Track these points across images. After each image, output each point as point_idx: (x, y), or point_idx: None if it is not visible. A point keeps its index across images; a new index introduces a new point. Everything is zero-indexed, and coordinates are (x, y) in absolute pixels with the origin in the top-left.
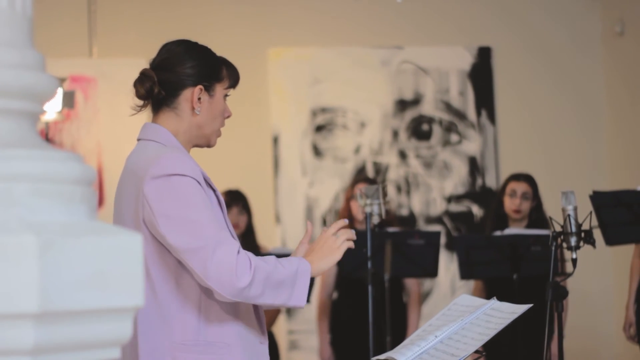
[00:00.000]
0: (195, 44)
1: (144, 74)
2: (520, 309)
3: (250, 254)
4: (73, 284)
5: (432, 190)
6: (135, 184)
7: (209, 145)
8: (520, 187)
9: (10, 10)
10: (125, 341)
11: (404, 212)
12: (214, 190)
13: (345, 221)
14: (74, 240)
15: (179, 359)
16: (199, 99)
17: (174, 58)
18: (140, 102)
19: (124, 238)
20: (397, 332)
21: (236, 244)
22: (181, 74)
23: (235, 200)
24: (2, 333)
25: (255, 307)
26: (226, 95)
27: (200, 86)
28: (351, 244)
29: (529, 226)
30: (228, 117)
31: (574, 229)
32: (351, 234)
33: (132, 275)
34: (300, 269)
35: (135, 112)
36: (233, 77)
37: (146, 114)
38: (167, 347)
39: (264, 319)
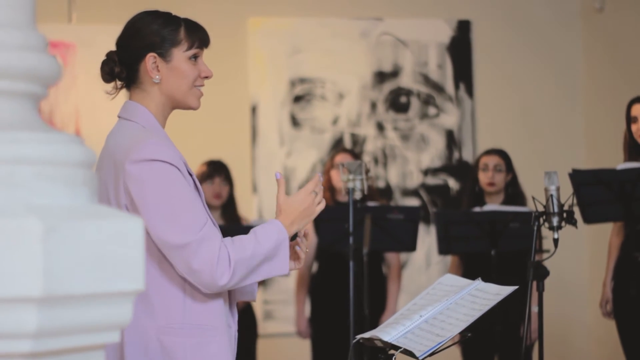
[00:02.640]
0: (150, 12)
1: (106, 56)
2: (505, 290)
3: (230, 246)
4: (76, 268)
5: (409, 162)
6: (114, 169)
7: (190, 108)
8: (492, 160)
9: None
10: (125, 325)
11: (381, 184)
12: (192, 175)
13: (319, 174)
14: (77, 224)
15: (165, 342)
16: (157, 67)
17: (128, 33)
18: (113, 86)
19: (126, 222)
20: (376, 305)
21: (217, 237)
22: (134, 47)
23: (218, 170)
24: (6, 317)
25: (229, 291)
26: (195, 56)
27: (151, 54)
28: (324, 205)
29: (505, 201)
30: (207, 77)
31: (556, 209)
32: (320, 185)
33: (133, 260)
34: (279, 239)
35: (112, 96)
36: (195, 37)
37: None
38: (153, 331)
39: (235, 303)
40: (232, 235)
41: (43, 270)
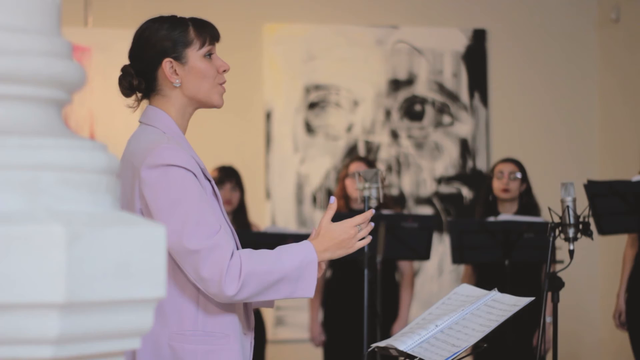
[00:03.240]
0: (157, 19)
1: (122, 71)
2: (521, 301)
3: (244, 257)
4: (98, 274)
5: (422, 171)
6: (131, 173)
7: (214, 106)
8: (507, 167)
9: None
10: (146, 332)
11: (394, 192)
12: (210, 181)
13: (372, 211)
14: (101, 231)
15: (177, 349)
16: (175, 71)
17: (137, 44)
18: (132, 101)
19: (149, 229)
20: (389, 313)
21: (230, 245)
22: (148, 57)
23: (229, 176)
24: (28, 322)
25: None
26: (210, 53)
27: (167, 59)
28: (369, 240)
29: (519, 210)
30: (225, 71)
31: (572, 221)
32: (370, 228)
33: (155, 266)
34: (306, 260)
35: (134, 109)
36: (205, 34)
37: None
38: (164, 337)
39: (252, 312)
40: (241, 242)
41: (66, 277)
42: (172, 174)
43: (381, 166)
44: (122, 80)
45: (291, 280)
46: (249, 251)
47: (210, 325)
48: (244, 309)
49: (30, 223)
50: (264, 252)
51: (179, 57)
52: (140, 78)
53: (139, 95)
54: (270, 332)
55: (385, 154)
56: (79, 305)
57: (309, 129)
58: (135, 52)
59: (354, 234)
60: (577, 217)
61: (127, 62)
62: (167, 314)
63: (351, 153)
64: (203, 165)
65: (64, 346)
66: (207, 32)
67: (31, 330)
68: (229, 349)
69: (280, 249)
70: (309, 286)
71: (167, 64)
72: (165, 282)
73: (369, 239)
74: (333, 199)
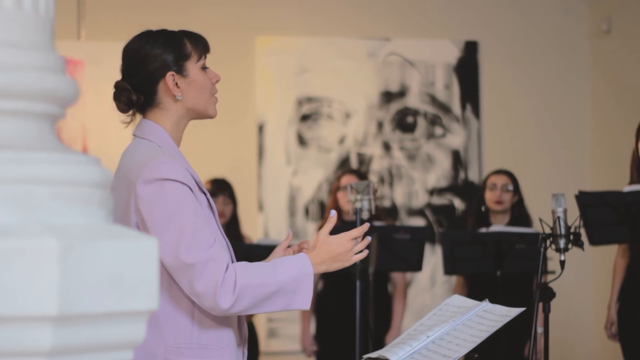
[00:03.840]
0: (150, 33)
1: (117, 88)
2: (512, 312)
3: (239, 270)
4: (91, 287)
5: (414, 182)
6: (127, 187)
7: (209, 117)
8: (500, 179)
9: (34, 13)
10: (138, 343)
11: (387, 203)
12: (205, 194)
13: (368, 225)
14: (93, 244)
15: None
16: (177, 84)
17: (134, 60)
18: (126, 115)
19: (141, 242)
20: (382, 324)
21: (225, 259)
22: (149, 71)
23: (221, 189)
24: (21, 335)
25: None
26: (204, 66)
27: (170, 73)
28: (365, 254)
29: (511, 222)
30: (217, 81)
31: (563, 232)
32: (367, 242)
33: (148, 279)
34: (302, 273)
35: (127, 124)
36: (199, 46)
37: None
38: (160, 350)
39: (245, 324)
40: (235, 254)
41: (59, 289)
42: (168, 188)
43: (373, 178)
44: (119, 97)
45: (287, 292)
46: (244, 264)
47: (206, 338)
48: (238, 322)
49: (23, 236)
50: (259, 265)
51: (180, 70)
52: (138, 93)
53: (134, 110)
54: (263, 343)
55: (378, 165)
56: (72, 317)
57: (302, 141)
58: (131, 68)
59: (350, 248)
60: (568, 227)
61: (120, 75)
62: (162, 327)
63: (343, 165)
64: (198, 178)
65: (57, 358)
66: (201, 45)
67: (25, 342)
68: None
69: (276, 261)
70: (305, 298)
71: (170, 77)
72: (157, 294)
73: (365, 252)
74: (333, 213)
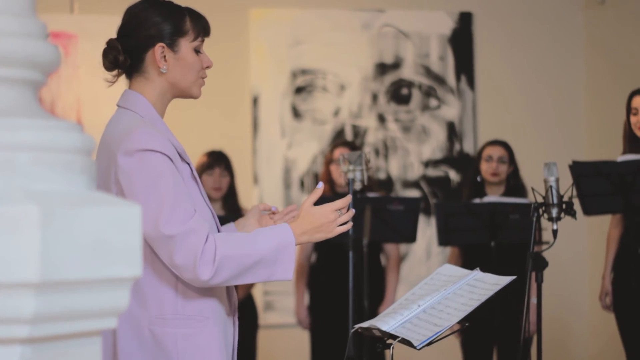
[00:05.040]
0: (155, 1)
1: (108, 45)
2: (503, 280)
3: (219, 241)
4: (74, 254)
5: (409, 154)
6: (107, 158)
7: (191, 97)
8: (497, 151)
9: None
10: (122, 311)
11: (382, 175)
12: (189, 164)
13: (320, 185)
14: (75, 211)
15: (157, 332)
16: (164, 57)
17: (132, 22)
18: (113, 74)
19: (124, 209)
20: (375, 295)
21: (204, 230)
22: (140, 37)
23: (218, 161)
24: (3, 302)
25: None
26: (198, 47)
27: (160, 44)
28: (347, 227)
29: (506, 192)
30: (208, 67)
31: (555, 201)
32: (351, 214)
33: (131, 246)
34: (283, 243)
35: (111, 84)
36: (199, 27)
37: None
38: (145, 321)
39: (234, 293)
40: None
41: (40, 256)
42: (148, 159)
43: (367, 149)
44: (107, 54)
45: (268, 263)
46: (224, 235)
47: (190, 308)
48: (227, 291)
49: (4, 203)
50: (240, 236)
51: (172, 45)
52: (126, 55)
53: (119, 72)
54: (260, 316)
55: (373, 137)
56: (54, 284)
57: (296, 113)
58: (127, 29)
59: (333, 219)
60: (560, 196)
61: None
62: (146, 298)
63: (338, 137)
64: (182, 148)
65: (39, 325)
66: (202, 26)
67: (6, 309)
68: (209, 332)
69: (257, 231)
70: (286, 269)
71: (159, 48)
72: (141, 261)
73: (349, 224)
74: (321, 184)
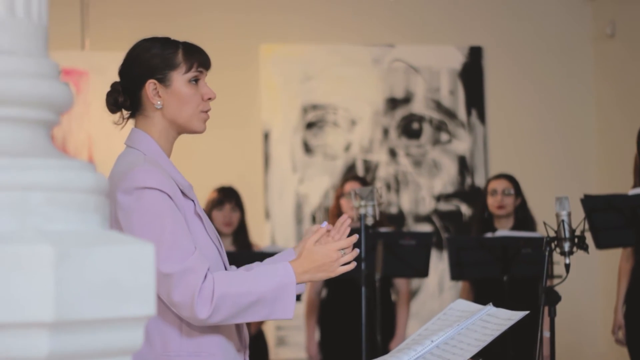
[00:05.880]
0: (149, 39)
1: (111, 87)
2: (516, 315)
3: (217, 279)
4: (87, 293)
5: (421, 188)
6: (110, 196)
7: (195, 132)
8: (500, 184)
9: (27, 20)
10: (136, 349)
11: (393, 210)
12: (193, 200)
13: (357, 236)
14: (89, 250)
15: None
16: (158, 93)
17: (127, 62)
18: (122, 115)
19: (137, 248)
20: (386, 331)
21: (203, 269)
22: (134, 76)
23: (228, 197)
24: (18, 341)
25: None
26: (196, 79)
27: (150, 81)
28: (351, 267)
29: (515, 225)
30: (211, 99)
31: (567, 235)
32: (355, 254)
33: (144, 285)
34: (283, 282)
35: (122, 126)
36: (193, 59)
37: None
38: (150, 358)
39: (245, 329)
40: (243, 262)
41: (55, 296)
42: (146, 197)
43: (379, 184)
44: (108, 97)
45: (267, 302)
46: (224, 273)
47: (195, 345)
48: (237, 327)
49: (18, 243)
50: (240, 274)
51: (163, 79)
52: (125, 95)
53: (125, 112)
54: (272, 352)
55: (384, 172)
56: (68, 324)
57: (307, 148)
58: (124, 69)
59: (336, 258)
60: (572, 231)
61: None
62: (152, 335)
63: (350, 172)
64: (186, 185)
65: None
66: (196, 57)
67: (22, 349)
68: None
69: (258, 270)
70: (286, 308)
71: (150, 85)
72: (154, 300)
73: (353, 264)
74: (325, 224)
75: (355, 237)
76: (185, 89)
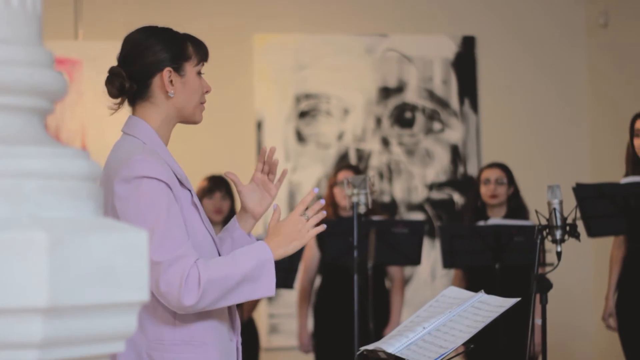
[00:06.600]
0: (154, 28)
1: (112, 73)
2: (507, 302)
3: (201, 266)
4: (81, 279)
5: (414, 177)
6: (108, 184)
7: (194, 122)
8: (494, 173)
9: (22, 9)
10: (130, 335)
11: (386, 199)
12: (190, 190)
13: (322, 202)
14: (83, 237)
15: (156, 357)
16: (171, 81)
17: (136, 49)
18: (116, 101)
19: (130, 234)
20: (380, 318)
21: (191, 258)
22: (147, 63)
23: (218, 185)
24: (12, 327)
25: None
26: (200, 72)
27: (168, 69)
28: (321, 228)
29: (508, 214)
30: (208, 92)
31: (559, 223)
32: (322, 215)
33: (138, 271)
34: (262, 259)
35: (114, 111)
36: (200, 52)
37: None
38: (143, 345)
39: (237, 316)
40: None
41: (49, 282)
42: (144, 186)
43: (371, 173)
44: (113, 81)
45: (250, 280)
46: (204, 260)
47: (188, 334)
48: (229, 315)
49: (13, 230)
50: (219, 258)
51: (178, 69)
52: (132, 82)
53: (122, 99)
54: (264, 339)
55: (377, 161)
56: (62, 309)
57: (300, 137)
58: (130, 56)
59: (302, 225)
60: (564, 219)
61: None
62: (146, 322)
63: (342, 161)
64: (183, 174)
65: (48, 350)
66: (203, 50)
67: (15, 334)
68: (207, 357)
69: (235, 252)
70: (268, 285)
71: (167, 72)
72: (147, 286)
73: (322, 226)
74: (276, 205)
75: (312, 193)
76: (195, 80)
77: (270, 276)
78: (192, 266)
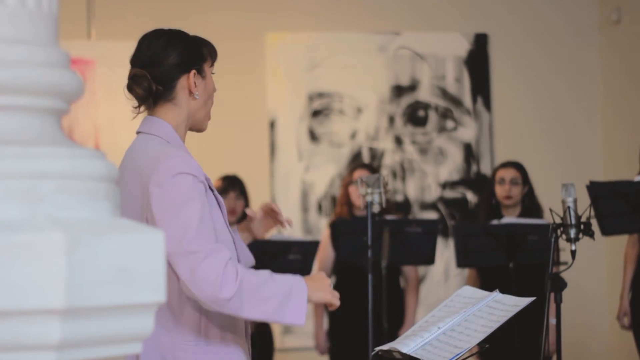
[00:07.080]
0: (171, 31)
1: (136, 75)
2: (522, 302)
3: (238, 265)
4: (98, 280)
5: (427, 176)
6: (140, 182)
7: (200, 130)
8: (508, 173)
9: (38, 10)
10: (147, 336)
11: (399, 197)
12: (213, 191)
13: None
14: (100, 238)
15: (180, 358)
16: (195, 83)
17: (159, 51)
18: (136, 103)
19: (147, 235)
20: (394, 318)
21: (227, 253)
22: (171, 64)
23: (232, 185)
24: (30, 328)
25: None
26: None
27: (193, 71)
28: (337, 303)
29: (522, 213)
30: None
31: (573, 221)
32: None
33: (155, 272)
34: (295, 287)
35: (136, 115)
36: (213, 53)
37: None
38: (168, 346)
39: (249, 329)
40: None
41: (66, 283)
42: (182, 181)
43: (385, 172)
44: (139, 83)
45: (278, 302)
46: (242, 265)
47: (213, 336)
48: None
49: (30, 231)
50: (255, 270)
51: (200, 71)
52: (157, 84)
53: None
54: (278, 340)
55: (390, 160)
56: (79, 310)
57: (313, 136)
58: (156, 56)
59: (329, 284)
60: (578, 217)
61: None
62: (172, 324)
63: (355, 160)
64: (206, 176)
65: (65, 351)
66: (214, 52)
67: (33, 336)
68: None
69: (270, 273)
70: (298, 312)
71: (193, 74)
72: (164, 287)
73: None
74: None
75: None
76: (212, 82)
77: (300, 304)
78: (230, 260)
